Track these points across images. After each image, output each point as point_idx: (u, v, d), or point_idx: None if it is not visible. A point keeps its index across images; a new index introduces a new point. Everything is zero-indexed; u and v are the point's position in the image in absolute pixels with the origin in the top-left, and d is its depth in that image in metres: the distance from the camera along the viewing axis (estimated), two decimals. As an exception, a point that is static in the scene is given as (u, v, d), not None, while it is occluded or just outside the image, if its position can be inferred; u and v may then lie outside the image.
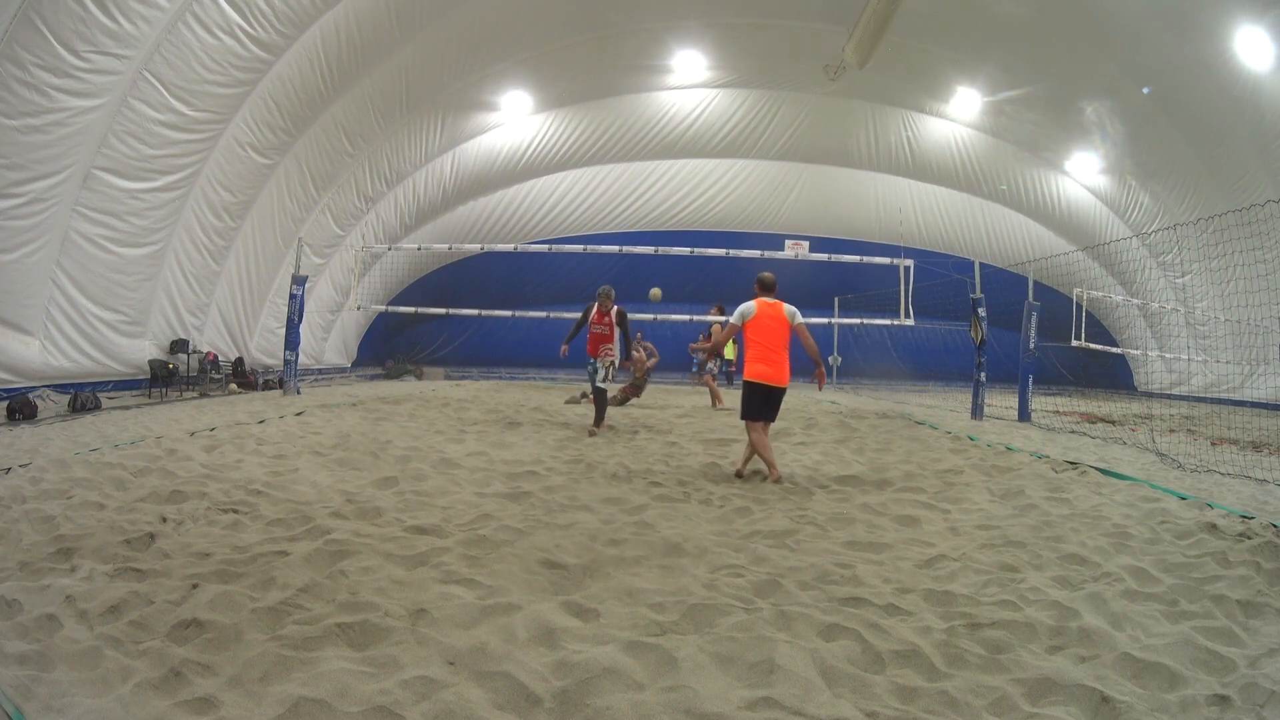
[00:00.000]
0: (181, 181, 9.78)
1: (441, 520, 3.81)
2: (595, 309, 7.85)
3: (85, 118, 7.93)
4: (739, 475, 5.32)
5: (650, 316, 16.22)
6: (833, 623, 2.53)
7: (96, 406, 8.51)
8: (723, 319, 12.07)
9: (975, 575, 3.12)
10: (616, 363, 7.83)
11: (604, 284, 8.16)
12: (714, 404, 10.87)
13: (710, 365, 12.11)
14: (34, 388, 8.31)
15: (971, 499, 4.68)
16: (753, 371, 5.38)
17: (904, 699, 2.07)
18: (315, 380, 14.77)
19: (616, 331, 7.80)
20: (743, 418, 5.45)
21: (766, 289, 5.62)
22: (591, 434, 7.44)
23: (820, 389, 6.11)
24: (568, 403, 11.12)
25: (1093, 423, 10.34)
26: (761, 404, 5.35)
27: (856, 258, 12.70)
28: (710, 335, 12.20)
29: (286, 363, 11.68)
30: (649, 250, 14.11)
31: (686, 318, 14.88)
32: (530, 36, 13.55)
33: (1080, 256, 16.17)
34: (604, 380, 7.76)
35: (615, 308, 7.80)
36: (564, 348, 8.00)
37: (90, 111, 7.95)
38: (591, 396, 8.11)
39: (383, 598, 2.63)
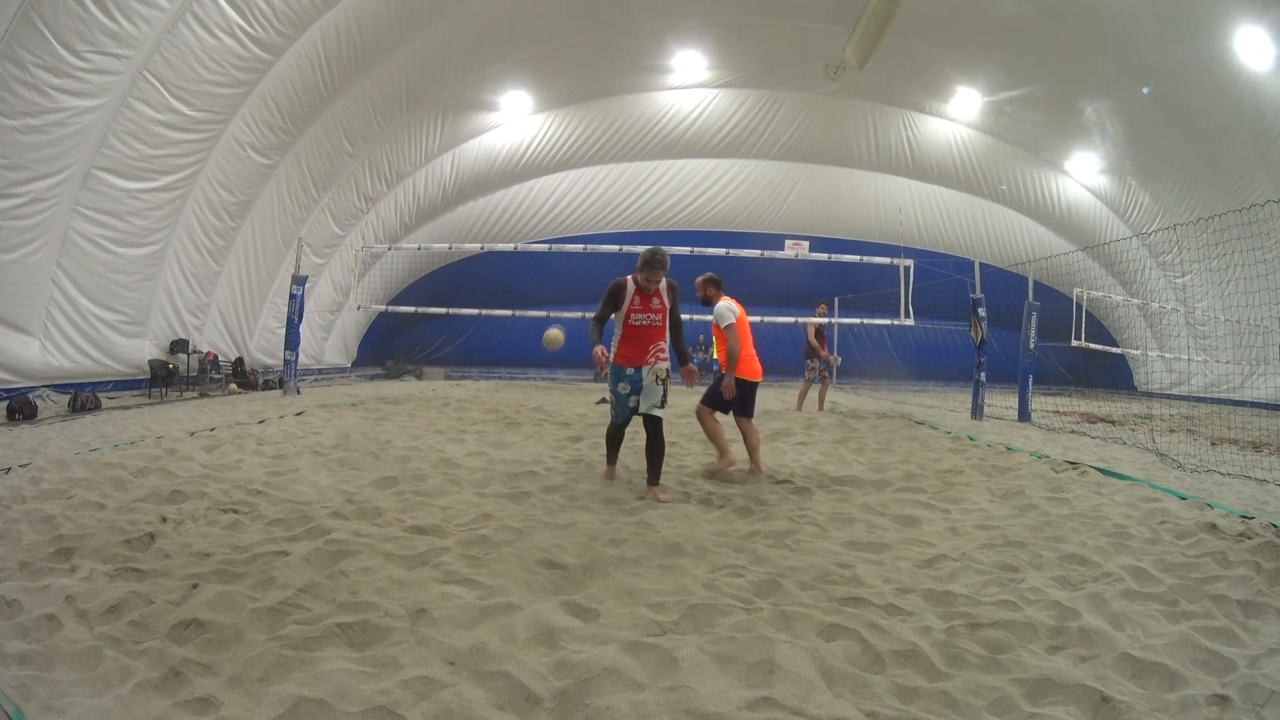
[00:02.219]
0: (181, 181, 9.78)
1: (441, 520, 3.81)
2: (634, 288, 4.72)
3: (85, 118, 7.93)
4: (737, 469, 5.36)
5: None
6: (833, 623, 2.53)
7: (96, 406, 8.51)
8: (826, 320, 11.24)
9: (975, 575, 3.11)
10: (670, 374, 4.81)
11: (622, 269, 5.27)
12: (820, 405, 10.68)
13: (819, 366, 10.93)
14: (34, 388, 8.31)
15: (971, 499, 4.67)
16: (748, 369, 5.52)
17: (904, 699, 2.07)
18: (315, 380, 14.77)
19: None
20: (717, 408, 5.44)
21: (720, 286, 5.78)
22: (657, 498, 4.51)
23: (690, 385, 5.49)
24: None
25: (1093, 423, 10.34)
26: (740, 399, 5.46)
27: (856, 258, 12.70)
28: (816, 335, 11.01)
29: (286, 363, 11.68)
30: (649, 250, 14.09)
31: (686, 318, 14.86)
32: (530, 36, 13.56)
33: (1080, 256, 16.18)
34: (661, 404, 4.73)
35: (666, 280, 4.77)
36: (600, 350, 4.69)
37: (90, 111, 7.95)
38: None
39: (383, 598, 2.63)
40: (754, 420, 5.57)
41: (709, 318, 5.76)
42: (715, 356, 15.62)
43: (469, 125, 15.51)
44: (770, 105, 16.47)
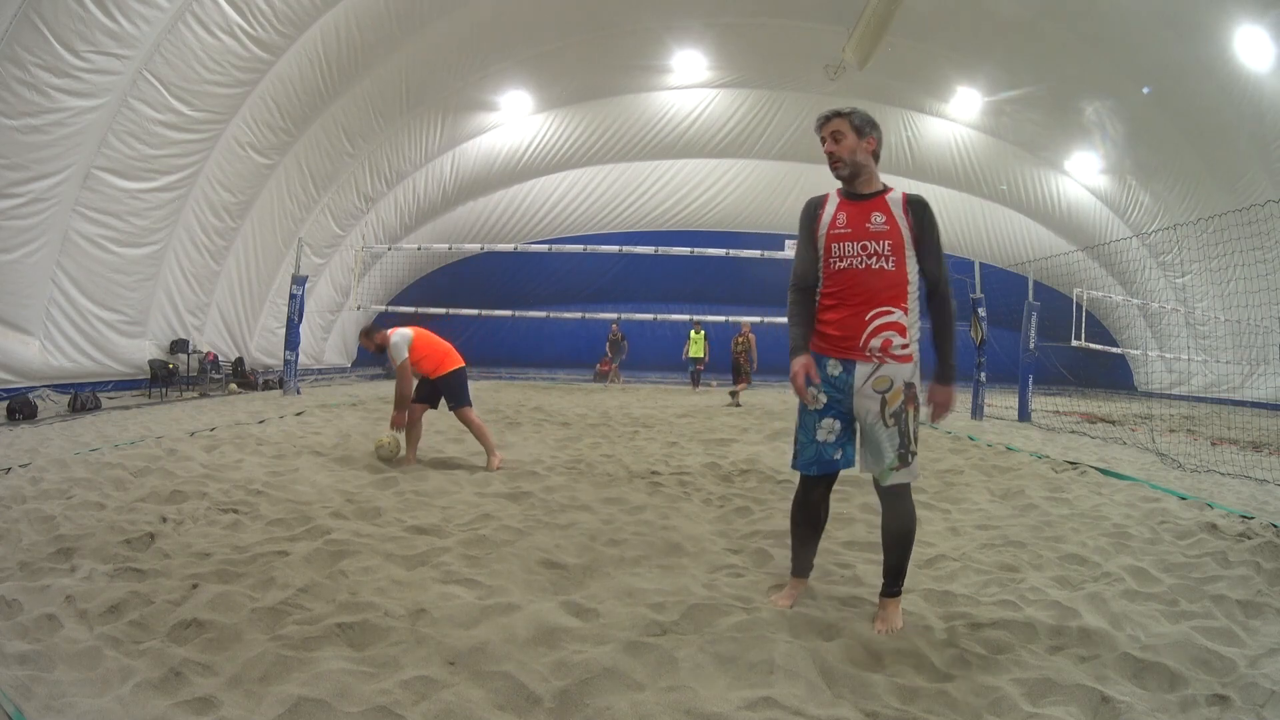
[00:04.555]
0: (181, 181, 9.79)
1: (441, 520, 3.81)
2: (838, 200, 2.61)
3: (85, 118, 7.93)
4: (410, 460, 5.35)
5: (651, 316, 16.22)
6: (832, 623, 2.53)
7: (96, 406, 8.51)
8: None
9: (975, 575, 3.11)
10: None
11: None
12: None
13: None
14: (34, 388, 8.31)
15: (971, 499, 4.68)
16: (446, 364, 5.50)
17: (904, 699, 2.07)
18: (315, 380, 14.77)
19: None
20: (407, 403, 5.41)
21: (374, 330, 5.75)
22: (881, 622, 2.50)
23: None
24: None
25: (1093, 423, 10.33)
26: (425, 394, 5.53)
27: (857, 258, 12.68)
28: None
29: (286, 363, 11.68)
30: (649, 250, 14.15)
31: (686, 318, 14.95)
32: (530, 36, 13.57)
33: (1080, 256, 16.18)
34: (901, 461, 2.50)
35: (903, 194, 2.58)
36: (803, 375, 2.54)
37: (90, 111, 7.96)
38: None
39: (383, 598, 2.63)
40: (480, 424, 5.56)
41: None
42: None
43: (469, 125, 15.51)
44: (770, 105, 16.48)
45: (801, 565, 2.78)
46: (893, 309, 2.52)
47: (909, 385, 2.53)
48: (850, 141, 2.56)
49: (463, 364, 5.61)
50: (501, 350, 19.30)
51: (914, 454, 2.54)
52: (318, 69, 10.97)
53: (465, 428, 5.65)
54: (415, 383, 5.43)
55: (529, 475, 5.12)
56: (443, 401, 5.56)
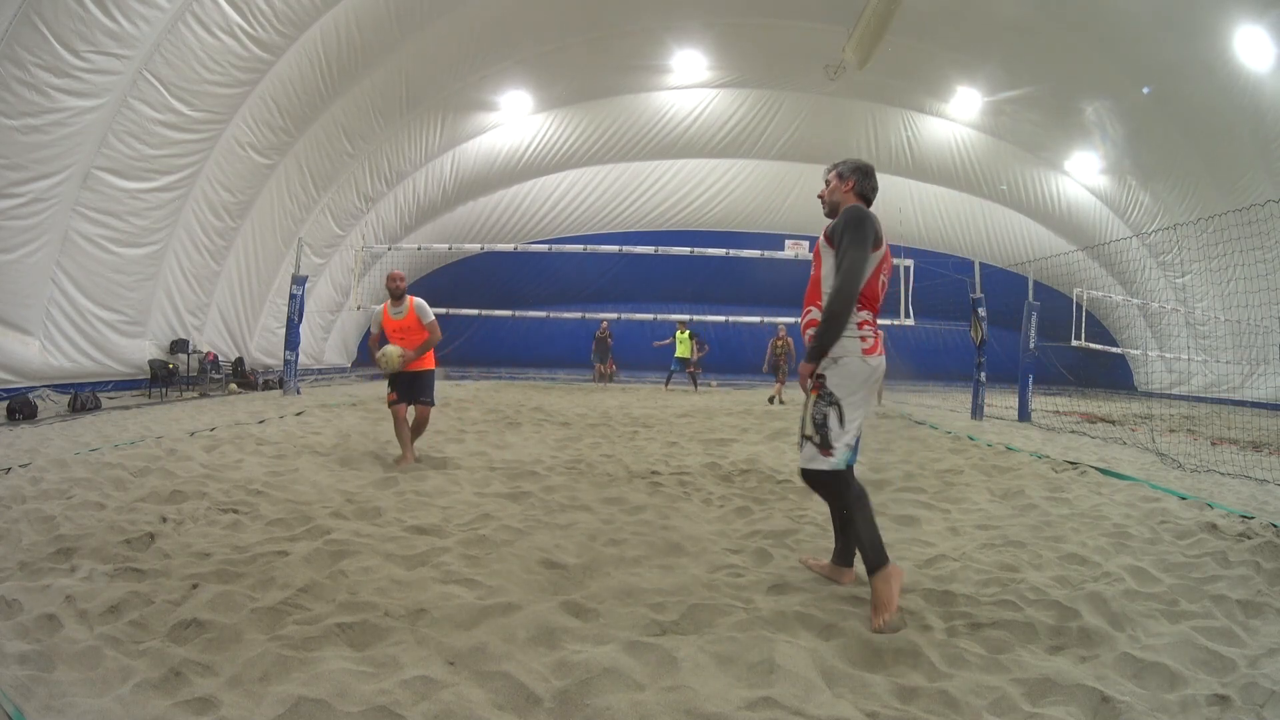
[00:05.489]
0: (181, 181, 9.78)
1: (441, 520, 3.81)
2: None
3: (85, 118, 7.93)
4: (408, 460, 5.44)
5: (651, 316, 16.22)
6: (833, 623, 2.53)
7: (96, 406, 8.51)
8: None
9: (975, 575, 3.11)
10: None
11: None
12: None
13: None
14: (34, 388, 8.31)
15: (971, 499, 4.67)
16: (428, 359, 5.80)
17: (904, 699, 2.07)
18: (315, 380, 14.77)
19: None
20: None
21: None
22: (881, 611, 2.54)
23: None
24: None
25: (1093, 423, 10.33)
26: (405, 389, 5.67)
27: (857, 258, 12.71)
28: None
29: (286, 363, 11.68)
30: (649, 250, 14.16)
31: (686, 318, 14.96)
32: (530, 36, 13.57)
33: (1080, 256, 16.18)
34: (816, 445, 2.85)
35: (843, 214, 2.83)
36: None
37: (90, 111, 7.95)
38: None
39: (383, 598, 2.63)
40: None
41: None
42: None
43: (469, 125, 15.51)
44: (770, 105, 16.48)
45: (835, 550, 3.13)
46: (812, 308, 2.92)
47: (817, 376, 2.84)
48: (833, 185, 3.01)
49: (435, 366, 5.92)
50: (501, 350, 19.29)
51: (807, 439, 2.84)
52: (318, 69, 10.97)
53: (423, 421, 5.73)
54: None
55: (529, 475, 5.12)
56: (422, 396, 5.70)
